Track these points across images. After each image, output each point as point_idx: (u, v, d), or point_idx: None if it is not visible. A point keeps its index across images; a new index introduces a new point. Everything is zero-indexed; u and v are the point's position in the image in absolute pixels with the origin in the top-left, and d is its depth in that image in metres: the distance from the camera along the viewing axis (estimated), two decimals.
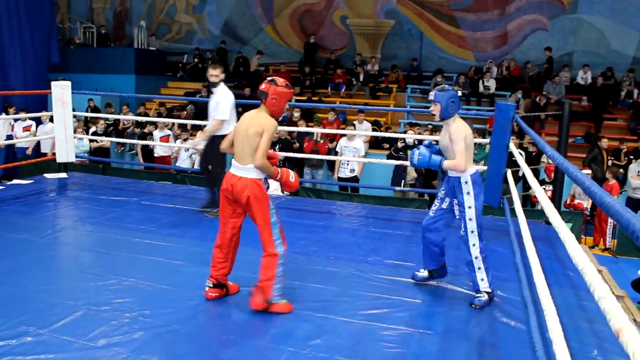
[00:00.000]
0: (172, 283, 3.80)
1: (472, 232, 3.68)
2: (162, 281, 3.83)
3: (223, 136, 4.43)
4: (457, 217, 3.77)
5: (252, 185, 3.31)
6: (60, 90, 6.98)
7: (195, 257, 4.34)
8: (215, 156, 5.36)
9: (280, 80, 3.46)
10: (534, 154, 9.82)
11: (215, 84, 5.46)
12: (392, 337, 3.12)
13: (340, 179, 8.70)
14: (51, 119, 9.91)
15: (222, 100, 5.39)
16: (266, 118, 3.38)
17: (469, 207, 3.67)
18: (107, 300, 3.47)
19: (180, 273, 4.02)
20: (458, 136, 3.61)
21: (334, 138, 9.52)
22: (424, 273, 3.95)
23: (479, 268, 3.68)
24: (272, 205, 3.36)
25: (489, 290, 3.68)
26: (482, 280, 3.68)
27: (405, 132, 10.34)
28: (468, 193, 3.67)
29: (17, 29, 13.93)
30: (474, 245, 3.68)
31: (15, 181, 7.02)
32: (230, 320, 3.30)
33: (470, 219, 3.67)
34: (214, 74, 5.44)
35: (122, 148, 12.60)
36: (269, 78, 3.50)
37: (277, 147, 9.21)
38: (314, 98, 14.66)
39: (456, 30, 16.12)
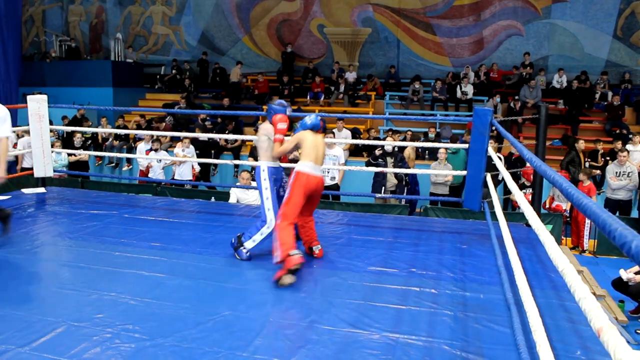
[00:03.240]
0: (154, 296, 3.76)
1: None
2: (144, 294, 3.78)
3: None
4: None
5: None
6: (37, 104, 6.89)
7: (177, 270, 4.30)
8: None
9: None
10: (513, 157, 9.91)
11: None
12: (376, 344, 3.12)
13: None
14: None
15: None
16: None
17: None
18: (88, 316, 3.42)
19: (162, 286, 3.98)
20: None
21: None
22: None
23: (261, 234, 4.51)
24: None
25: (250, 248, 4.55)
26: (254, 241, 4.52)
27: (376, 139, 10.36)
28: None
29: None
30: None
31: None
32: (214, 333, 3.27)
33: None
34: None
35: (101, 161, 12.49)
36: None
37: None
38: (293, 107, 14.63)
39: (432, 37, 16.29)
